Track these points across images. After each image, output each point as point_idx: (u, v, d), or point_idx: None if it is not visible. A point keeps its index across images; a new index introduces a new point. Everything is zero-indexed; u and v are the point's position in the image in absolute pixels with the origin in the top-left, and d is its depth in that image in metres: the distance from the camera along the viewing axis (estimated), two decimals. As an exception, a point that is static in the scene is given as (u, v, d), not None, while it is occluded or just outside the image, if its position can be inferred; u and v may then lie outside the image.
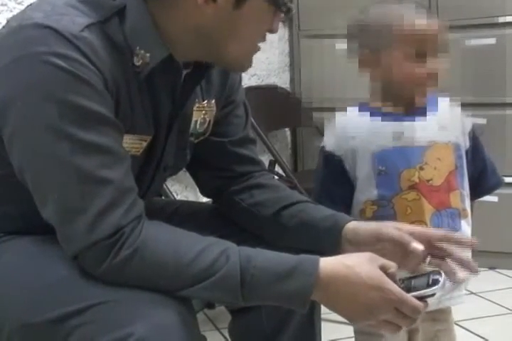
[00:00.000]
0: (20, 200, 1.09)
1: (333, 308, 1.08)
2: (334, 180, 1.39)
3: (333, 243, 1.23)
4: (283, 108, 3.02)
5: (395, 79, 1.33)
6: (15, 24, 1.02)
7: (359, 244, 1.20)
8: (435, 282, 1.08)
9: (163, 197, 2.01)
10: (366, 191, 1.37)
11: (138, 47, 1.07)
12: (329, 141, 1.39)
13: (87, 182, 1.00)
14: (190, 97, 1.21)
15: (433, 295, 1.07)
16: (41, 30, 0.98)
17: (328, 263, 1.06)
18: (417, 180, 1.34)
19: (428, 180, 1.35)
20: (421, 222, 1.34)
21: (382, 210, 1.36)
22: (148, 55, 1.08)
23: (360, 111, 1.39)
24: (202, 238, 1.07)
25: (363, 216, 1.37)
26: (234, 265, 1.02)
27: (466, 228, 1.40)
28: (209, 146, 1.33)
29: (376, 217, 1.35)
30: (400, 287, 1.06)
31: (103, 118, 1.01)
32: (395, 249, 1.17)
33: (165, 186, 2.02)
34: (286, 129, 3.25)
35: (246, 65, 1.19)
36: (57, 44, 0.98)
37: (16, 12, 2.30)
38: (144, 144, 1.15)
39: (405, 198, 1.35)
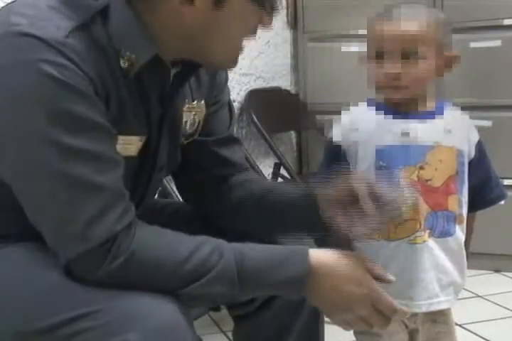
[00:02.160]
0: (17, 206, 1.07)
1: (313, 298, 1.12)
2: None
3: (310, 207, 1.23)
4: (288, 110, 3.03)
5: (368, 76, 1.36)
6: (0, 30, 1.00)
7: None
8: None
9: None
10: None
11: (123, 49, 1.06)
12: (337, 133, 1.41)
13: (77, 188, 0.99)
14: (179, 96, 1.21)
15: None
16: (27, 39, 0.97)
17: (316, 253, 1.10)
18: (416, 179, 1.35)
19: (427, 180, 1.36)
20: (415, 220, 1.35)
21: None
22: (133, 56, 1.07)
23: (368, 106, 1.41)
24: (193, 237, 1.08)
25: None
26: (229, 259, 1.05)
27: (460, 234, 1.40)
28: (192, 146, 1.31)
29: None
30: None
31: (93, 125, 1.00)
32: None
33: (169, 187, 2.02)
34: (292, 132, 3.26)
35: (232, 64, 1.18)
36: (44, 52, 0.97)
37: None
38: (140, 144, 1.15)
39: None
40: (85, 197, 1.00)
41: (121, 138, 1.09)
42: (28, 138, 0.99)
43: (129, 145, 1.12)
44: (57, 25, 1.00)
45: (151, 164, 1.20)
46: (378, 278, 1.11)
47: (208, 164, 1.34)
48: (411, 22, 1.31)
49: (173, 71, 1.17)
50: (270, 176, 2.81)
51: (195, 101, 1.27)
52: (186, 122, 1.27)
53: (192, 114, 1.27)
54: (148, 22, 1.07)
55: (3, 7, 1.08)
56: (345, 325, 1.14)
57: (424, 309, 1.39)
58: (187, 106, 1.25)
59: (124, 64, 1.06)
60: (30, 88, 0.97)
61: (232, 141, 1.37)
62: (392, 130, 1.36)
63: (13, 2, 1.07)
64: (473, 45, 2.77)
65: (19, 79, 0.97)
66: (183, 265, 1.03)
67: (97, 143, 1.01)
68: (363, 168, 1.37)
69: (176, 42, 1.10)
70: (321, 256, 1.10)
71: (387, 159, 1.35)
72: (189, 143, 1.30)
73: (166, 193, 2.00)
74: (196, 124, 1.29)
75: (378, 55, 1.32)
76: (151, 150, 1.18)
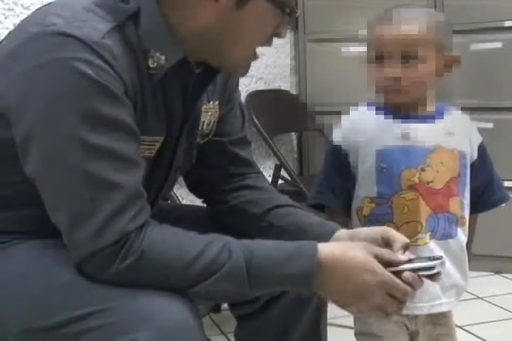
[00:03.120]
0: (37, 203, 1.08)
1: (326, 292, 1.11)
2: (337, 172, 1.42)
3: None
4: (289, 112, 3.02)
5: (368, 79, 1.36)
6: (35, 30, 1.02)
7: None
8: (436, 258, 1.13)
9: (169, 202, 2.01)
10: (366, 187, 1.38)
11: (153, 50, 1.08)
12: (337, 135, 1.42)
13: (97, 186, 1.01)
14: (201, 97, 1.23)
15: (432, 268, 1.11)
16: (64, 38, 0.99)
17: (325, 246, 1.10)
18: (417, 181, 1.35)
19: (428, 182, 1.36)
20: (416, 222, 1.35)
21: (380, 208, 1.37)
22: (163, 57, 1.09)
23: (368, 107, 1.42)
24: (203, 236, 1.08)
25: (360, 213, 1.39)
26: (238, 257, 1.05)
27: (461, 236, 1.41)
28: (207, 145, 1.33)
29: (373, 215, 1.37)
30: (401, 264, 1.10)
31: (121, 125, 1.02)
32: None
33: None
34: (292, 133, 3.26)
35: (244, 70, 1.20)
36: (79, 51, 0.99)
37: (23, 17, 2.32)
38: (157, 145, 1.17)
39: (404, 197, 1.36)
40: (102, 195, 1.01)
41: (141, 139, 1.10)
42: (56, 134, 1.00)
43: (148, 145, 1.14)
44: (93, 26, 1.02)
45: (168, 164, 1.22)
46: (390, 263, 1.10)
47: (225, 162, 1.36)
48: (411, 25, 1.31)
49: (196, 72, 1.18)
50: (271, 178, 2.80)
51: (211, 102, 1.29)
52: (203, 122, 1.29)
53: (208, 114, 1.29)
54: (177, 23, 1.10)
55: (38, 9, 1.11)
56: (359, 313, 1.14)
57: (425, 311, 1.39)
58: (204, 106, 1.27)
59: (153, 64, 1.09)
60: (63, 85, 0.99)
61: (246, 142, 1.40)
62: (392, 131, 1.36)
63: (48, 4, 1.10)
64: (474, 46, 2.77)
65: (53, 76, 0.99)
66: (193, 264, 1.03)
67: (122, 143, 1.02)
68: (364, 169, 1.38)
69: (196, 43, 1.12)
70: (330, 248, 1.10)
71: (388, 160, 1.35)
72: (204, 142, 1.32)
73: (166, 195, 1.99)
74: (211, 124, 1.31)
75: (378, 57, 1.32)
76: (169, 150, 1.20)
